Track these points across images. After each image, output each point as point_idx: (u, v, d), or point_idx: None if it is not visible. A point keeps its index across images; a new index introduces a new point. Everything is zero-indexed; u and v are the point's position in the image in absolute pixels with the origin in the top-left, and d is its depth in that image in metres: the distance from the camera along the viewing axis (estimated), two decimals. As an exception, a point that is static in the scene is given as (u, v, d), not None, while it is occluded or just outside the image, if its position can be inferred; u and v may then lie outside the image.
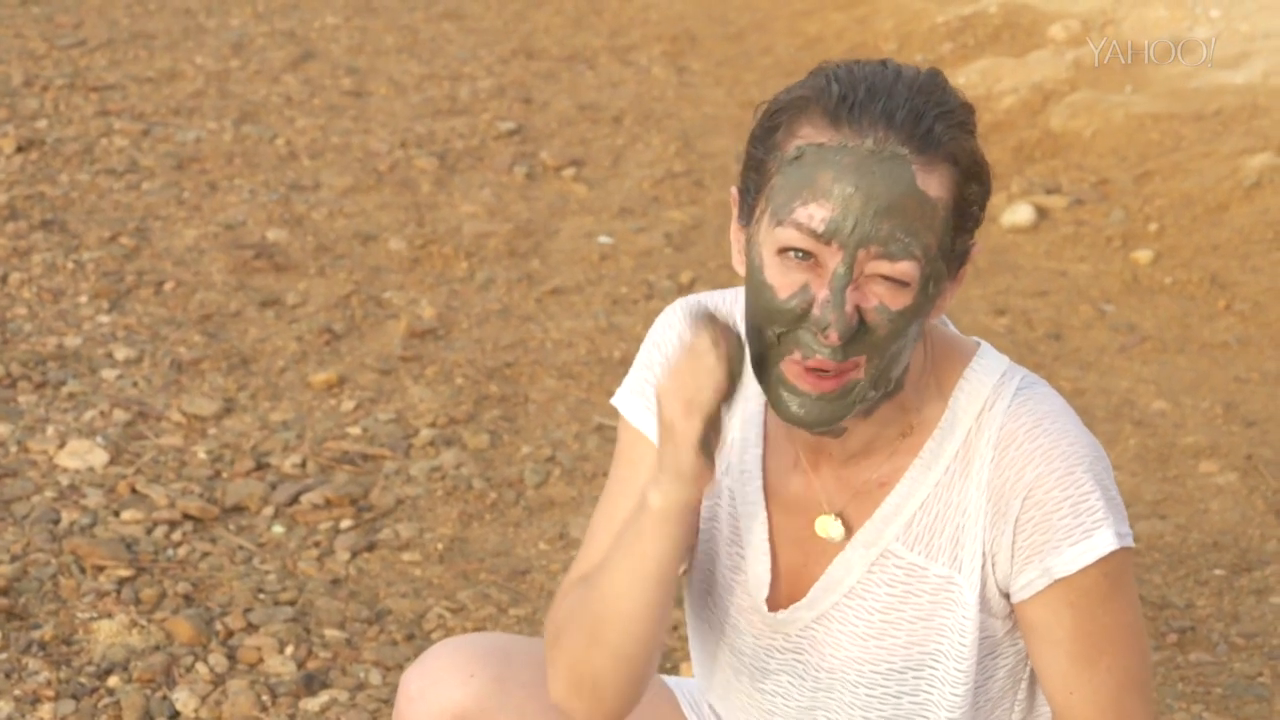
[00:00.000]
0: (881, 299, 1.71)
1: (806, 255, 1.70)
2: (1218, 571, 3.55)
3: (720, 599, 1.97)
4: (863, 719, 1.90)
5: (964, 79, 6.33)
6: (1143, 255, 5.11)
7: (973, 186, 1.72)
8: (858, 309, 1.70)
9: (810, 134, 1.70)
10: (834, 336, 1.69)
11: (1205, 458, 3.98)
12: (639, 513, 1.80)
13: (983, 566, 1.82)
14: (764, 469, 1.93)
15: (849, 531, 1.87)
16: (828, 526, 1.88)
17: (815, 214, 1.68)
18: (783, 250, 1.71)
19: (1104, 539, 1.77)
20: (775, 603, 1.92)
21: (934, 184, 1.69)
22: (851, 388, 1.75)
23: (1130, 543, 1.80)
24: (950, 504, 1.82)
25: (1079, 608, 1.79)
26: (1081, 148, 5.76)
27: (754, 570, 1.92)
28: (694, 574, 2.01)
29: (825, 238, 1.68)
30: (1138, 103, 5.90)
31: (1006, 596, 1.84)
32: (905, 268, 1.69)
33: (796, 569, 1.91)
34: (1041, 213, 5.40)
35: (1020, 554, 1.80)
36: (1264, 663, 3.25)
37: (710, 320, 1.72)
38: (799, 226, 1.69)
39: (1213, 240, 5.13)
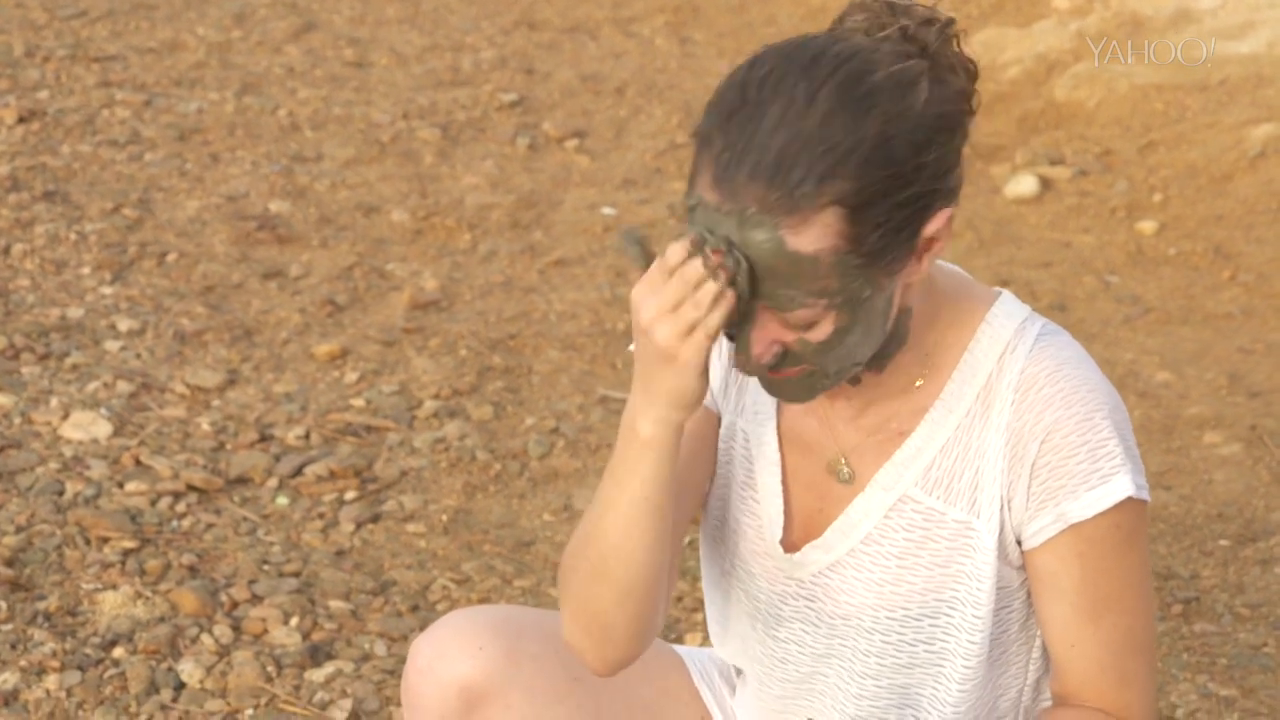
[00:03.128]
0: (799, 334, 1.71)
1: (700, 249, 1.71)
2: (1222, 542, 3.55)
3: (734, 543, 1.97)
4: (878, 666, 1.90)
5: (967, 49, 6.31)
6: (1147, 226, 5.10)
7: (876, 207, 1.66)
8: (779, 342, 1.72)
9: (703, 185, 1.69)
10: (739, 370, 1.74)
11: (1209, 429, 3.98)
12: (628, 444, 1.78)
13: (1000, 511, 1.81)
14: (779, 410, 1.92)
15: (863, 475, 1.86)
16: (839, 469, 1.87)
17: None
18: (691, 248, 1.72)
19: (1121, 484, 1.76)
20: (790, 545, 1.91)
21: (810, 239, 1.65)
22: (809, 376, 1.76)
23: (1146, 495, 1.80)
24: (970, 447, 1.82)
25: (1088, 558, 1.79)
26: (1085, 118, 5.75)
27: (767, 512, 1.92)
28: (708, 518, 2.00)
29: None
30: (1141, 73, 5.88)
31: (1020, 544, 1.83)
32: (801, 316, 1.69)
33: (812, 512, 1.91)
34: (1045, 184, 5.39)
35: (1035, 498, 1.79)
36: (1269, 633, 3.25)
37: (698, 243, 1.69)
38: None
39: (1217, 211, 5.12)
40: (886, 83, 1.68)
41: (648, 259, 1.74)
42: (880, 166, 1.66)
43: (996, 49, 6.29)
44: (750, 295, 1.69)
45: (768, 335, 1.72)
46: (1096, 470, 1.77)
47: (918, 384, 1.84)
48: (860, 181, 1.65)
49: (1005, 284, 4.78)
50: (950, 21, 1.76)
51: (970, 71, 1.76)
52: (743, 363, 1.75)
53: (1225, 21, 6.14)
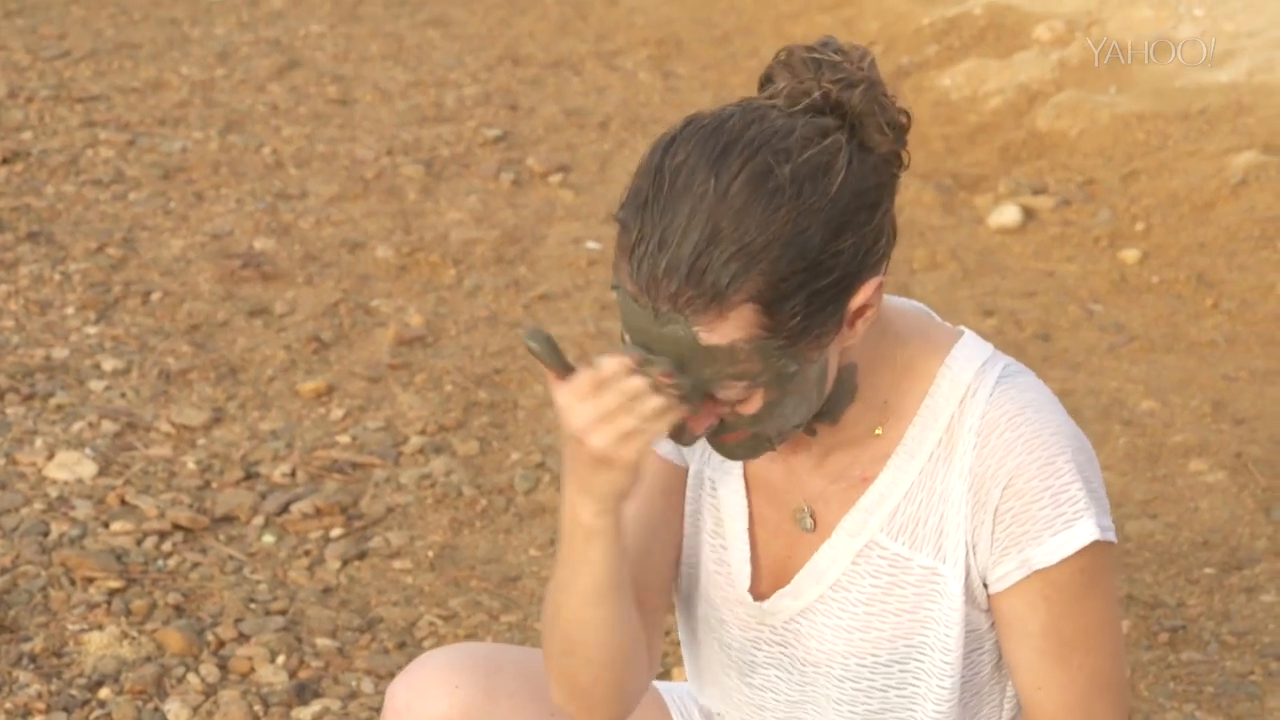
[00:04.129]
0: (731, 407, 1.72)
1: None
2: (1208, 570, 3.55)
3: (706, 592, 1.97)
4: (850, 713, 1.90)
5: (949, 80, 6.34)
6: (1130, 255, 5.12)
7: (792, 299, 1.66)
8: (713, 415, 1.73)
9: (622, 274, 1.69)
10: (680, 442, 1.75)
11: (1194, 456, 3.99)
12: (573, 533, 1.78)
13: (965, 556, 1.81)
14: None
15: (829, 522, 1.86)
16: (800, 518, 1.87)
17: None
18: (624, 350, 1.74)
19: (1085, 529, 1.76)
20: (759, 592, 1.91)
21: (725, 333, 1.66)
22: (752, 439, 1.77)
23: (1112, 537, 1.79)
24: (934, 492, 1.81)
25: (1054, 602, 1.78)
26: (1068, 148, 5.77)
27: (735, 560, 1.92)
28: (681, 568, 2.00)
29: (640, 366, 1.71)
30: (1123, 102, 5.91)
31: (986, 588, 1.83)
32: (727, 395, 1.70)
33: (781, 559, 1.90)
34: (1028, 213, 5.40)
35: (999, 544, 1.78)
36: (1255, 661, 3.25)
37: (640, 362, 1.69)
38: None
39: (1199, 239, 5.13)
40: (800, 172, 1.65)
41: (558, 359, 1.73)
42: (793, 261, 1.65)
43: (978, 80, 6.31)
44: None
45: (701, 420, 1.73)
46: (1060, 515, 1.76)
47: (877, 432, 1.83)
48: (773, 277, 1.64)
49: (990, 314, 4.79)
50: (872, 84, 1.70)
51: (901, 126, 1.72)
52: (679, 436, 1.75)
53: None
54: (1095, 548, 1.77)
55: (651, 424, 1.70)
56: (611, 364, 1.70)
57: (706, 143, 1.67)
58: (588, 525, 1.77)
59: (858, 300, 1.70)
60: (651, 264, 1.65)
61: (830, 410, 1.79)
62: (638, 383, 1.69)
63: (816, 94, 1.69)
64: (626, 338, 1.73)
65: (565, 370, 1.73)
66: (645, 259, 1.66)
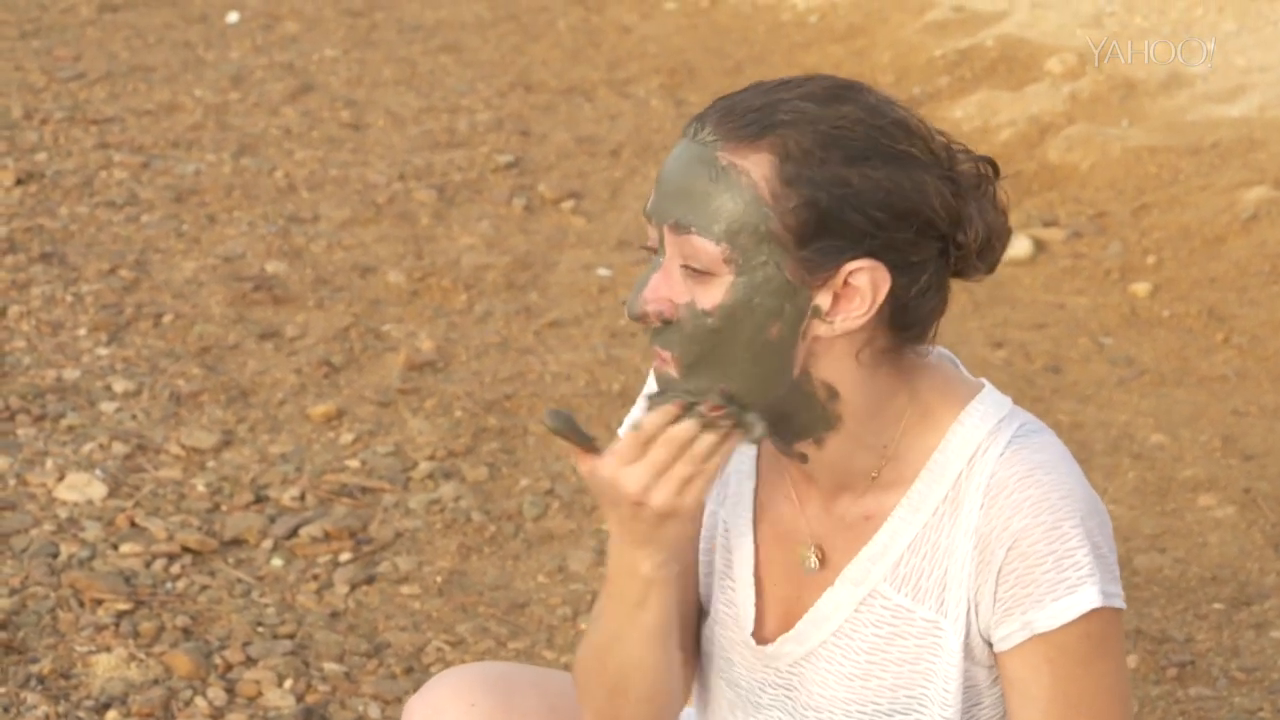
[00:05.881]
0: (693, 295, 1.72)
1: (652, 251, 1.76)
2: (1217, 605, 3.54)
3: (714, 631, 1.97)
4: None
5: (961, 112, 6.35)
6: (1140, 288, 5.12)
7: (806, 189, 1.69)
8: (671, 303, 1.73)
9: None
10: (628, 310, 1.74)
11: (1204, 491, 3.98)
12: (628, 582, 1.80)
13: (967, 613, 1.80)
14: (755, 500, 1.93)
15: (833, 564, 1.86)
16: (806, 557, 1.87)
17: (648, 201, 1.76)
18: (643, 249, 1.78)
19: (1087, 596, 1.74)
20: (763, 636, 1.91)
21: (740, 163, 1.70)
22: (663, 378, 1.77)
23: (1119, 604, 1.77)
24: (939, 547, 1.80)
25: (1058, 665, 1.76)
26: (1079, 180, 5.77)
27: (742, 602, 1.92)
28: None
29: (647, 216, 1.75)
30: (1134, 136, 5.91)
31: (990, 645, 1.82)
32: (700, 244, 1.70)
33: (789, 601, 1.90)
34: (1039, 245, 5.41)
35: (1001, 605, 1.77)
36: (1264, 697, 3.25)
37: (685, 406, 1.71)
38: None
39: (1210, 273, 5.13)
40: (901, 118, 1.74)
41: (582, 435, 1.74)
42: (833, 161, 1.69)
43: (990, 111, 6.32)
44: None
45: (665, 283, 1.73)
46: (1063, 580, 1.74)
47: (873, 476, 1.82)
48: (807, 149, 1.69)
49: (999, 345, 4.79)
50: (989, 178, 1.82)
51: (996, 230, 1.79)
52: (631, 303, 1.75)
53: (1217, 86, 6.17)
54: (1101, 614, 1.75)
55: (708, 465, 1.71)
56: (653, 418, 1.71)
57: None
58: (648, 576, 1.79)
59: (853, 267, 1.71)
60: (714, 108, 1.74)
61: (806, 429, 1.78)
62: (685, 428, 1.70)
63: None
64: (648, 210, 1.75)
65: (590, 445, 1.74)
66: (712, 108, 1.75)
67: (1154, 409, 4.43)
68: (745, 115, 1.71)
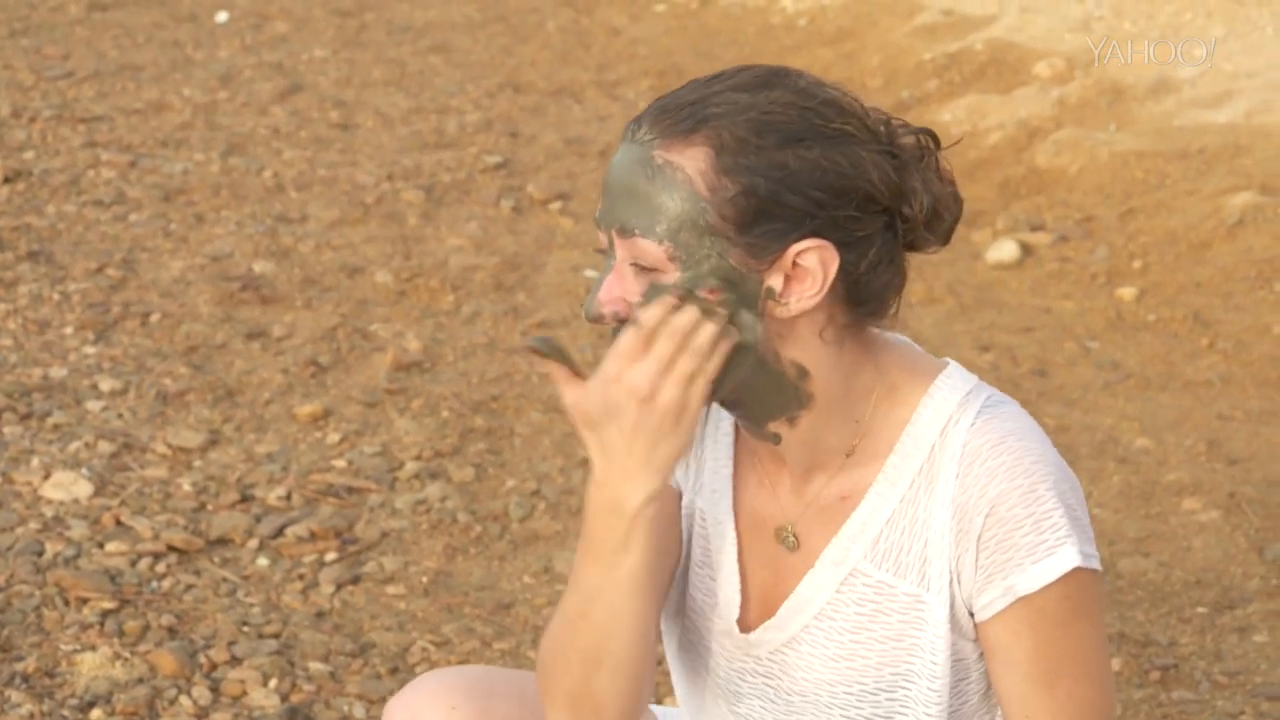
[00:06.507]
0: (644, 294, 1.74)
1: (604, 254, 1.79)
2: (1200, 609, 3.55)
3: (693, 621, 1.97)
4: None
5: (949, 115, 6.35)
6: (1127, 292, 5.13)
7: (744, 178, 1.71)
8: (625, 302, 1.75)
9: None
10: (585, 313, 1.76)
11: (1188, 495, 3.99)
12: (613, 524, 1.77)
13: (950, 584, 1.81)
14: (733, 488, 1.93)
15: (811, 548, 1.87)
16: (785, 537, 1.88)
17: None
18: (598, 253, 1.81)
19: (1067, 556, 1.76)
20: (746, 624, 1.92)
21: (675, 160, 1.72)
22: None
23: (1095, 565, 1.80)
24: (917, 520, 1.82)
25: (1039, 629, 1.79)
26: (1066, 185, 5.78)
27: (724, 592, 1.93)
28: (670, 596, 2.01)
29: (596, 222, 1.78)
30: (1122, 140, 5.93)
31: (973, 616, 1.83)
32: (644, 246, 1.72)
33: (768, 588, 1.91)
34: (1026, 249, 5.42)
35: (983, 571, 1.79)
36: (1247, 701, 3.26)
37: (684, 294, 1.73)
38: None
39: (1196, 278, 5.15)
40: (832, 99, 1.77)
41: (568, 357, 1.75)
42: (769, 147, 1.72)
43: (978, 115, 6.33)
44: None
45: (618, 284, 1.76)
46: (1042, 542, 1.76)
47: (847, 453, 1.84)
48: (740, 139, 1.71)
49: (986, 349, 4.80)
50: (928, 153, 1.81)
51: (943, 200, 1.80)
52: (587, 306, 1.78)
53: (1204, 91, 6.19)
54: (1080, 575, 1.78)
55: (709, 360, 1.72)
56: (653, 311, 1.73)
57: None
58: (634, 511, 1.76)
59: (800, 248, 1.73)
60: (650, 108, 1.76)
61: (779, 409, 1.80)
62: (686, 316, 1.72)
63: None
64: (596, 216, 1.78)
65: (575, 368, 1.75)
66: (649, 109, 1.76)
67: (1139, 413, 4.44)
68: (679, 111, 1.73)
